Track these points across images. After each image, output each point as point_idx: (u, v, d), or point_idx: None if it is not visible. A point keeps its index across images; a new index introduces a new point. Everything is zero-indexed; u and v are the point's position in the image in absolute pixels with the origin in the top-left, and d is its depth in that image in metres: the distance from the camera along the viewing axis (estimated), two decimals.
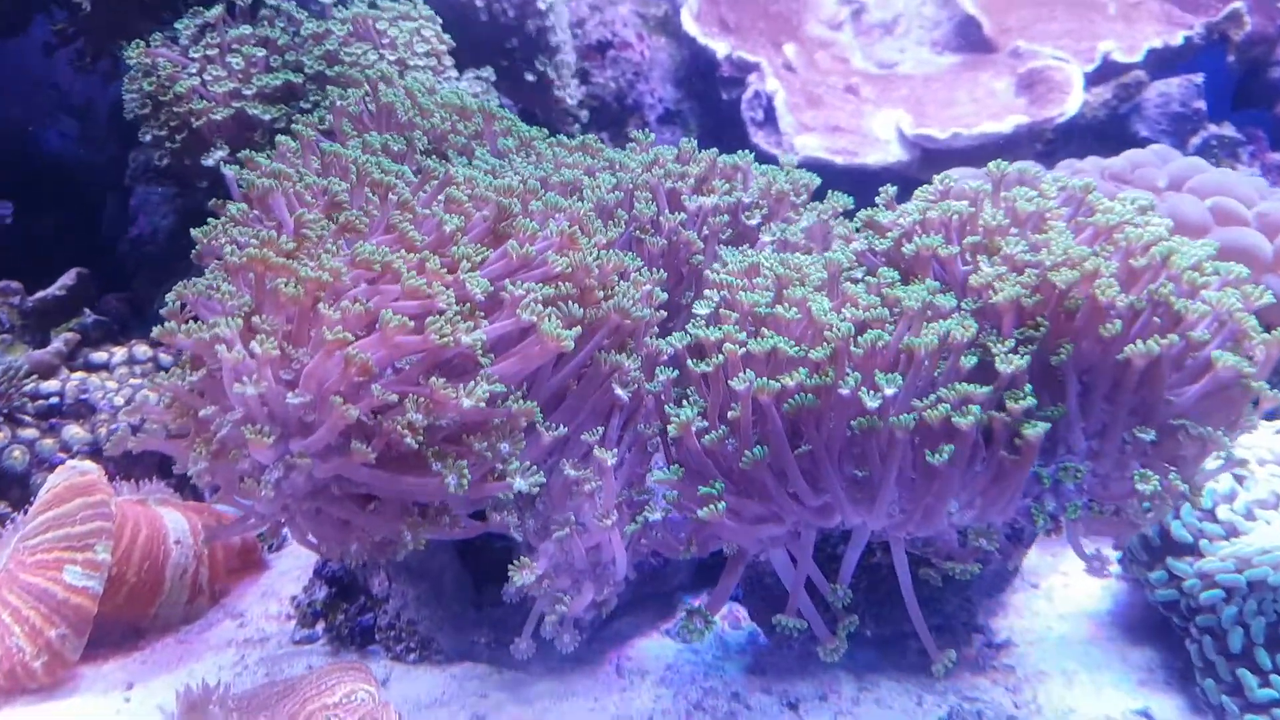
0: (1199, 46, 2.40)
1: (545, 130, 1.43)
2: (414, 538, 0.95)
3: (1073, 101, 2.20)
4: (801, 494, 1.00)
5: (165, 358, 1.82)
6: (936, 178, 1.24)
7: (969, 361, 0.98)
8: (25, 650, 1.21)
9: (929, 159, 2.22)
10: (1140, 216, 1.08)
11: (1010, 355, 0.96)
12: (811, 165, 1.40)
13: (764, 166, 1.39)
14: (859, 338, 0.96)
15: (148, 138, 1.75)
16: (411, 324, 0.89)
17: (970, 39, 2.59)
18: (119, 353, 1.82)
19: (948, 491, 0.99)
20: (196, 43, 1.73)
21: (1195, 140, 2.30)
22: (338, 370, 0.88)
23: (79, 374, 1.75)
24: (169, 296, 0.98)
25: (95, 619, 1.25)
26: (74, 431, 1.65)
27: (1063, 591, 1.46)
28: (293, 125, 1.26)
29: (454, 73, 1.89)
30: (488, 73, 2.04)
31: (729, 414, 0.98)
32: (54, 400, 1.69)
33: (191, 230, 1.06)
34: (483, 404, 0.89)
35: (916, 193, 1.23)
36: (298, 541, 1.03)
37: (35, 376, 1.70)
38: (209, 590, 1.45)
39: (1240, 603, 1.17)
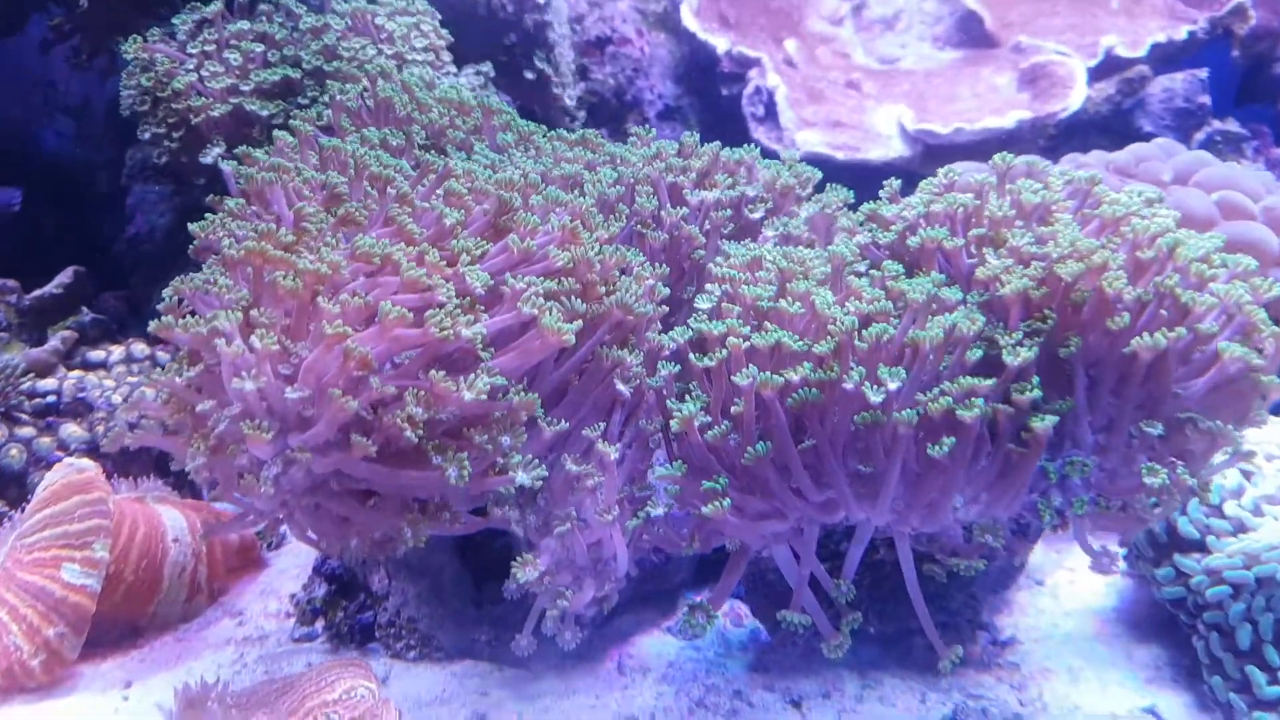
0: (1203, 41, 2.39)
1: (544, 126, 1.42)
2: (414, 534, 0.94)
3: (1076, 96, 2.19)
4: (805, 489, 0.99)
5: (163, 356, 1.81)
6: (940, 171, 1.23)
7: (974, 355, 0.97)
8: (23, 649, 1.20)
9: (931, 155, 2.21)
10: (1147, 209, 1.07)
11: (1017, 347, 0.95)
12: (813, 161, 1.40)
13: (767, 161, 1.38)
14: (863, 331, 0.95)
15: (146, 135, 1.74)
16: (411, 316, 0.88)
17: (972, 34, 2.58)
18: (117, 351, 1.81)
19: (953, 486, 0.98)
20: (194, 38, 1.72)
21: (1199, 136, 2.29)
22: (336, 364, 0.87)
23: (76, 372, 1.75)
24: (166, 292, 0.97)
25: (93, 617, 1.24)
26: (71, 430, 1.64)
27: (1068, 588, 1.45)
28: (291, 121, 1.25)
29: (453, 68, 1.88)
30: (487, 68, 2.03)
31: (732, 409, 0.97)
32: (51, 399, 1.68)
33: (189, 225, 1.05)
34: (484, 397, 0.88)
35: (921, 185, 1.22)
36: (297, 538, 1.02)
37: (32, 375, 1.70)
38: (208, 588, 1.44)
39: (1248, 599, 1.16)
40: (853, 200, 1.30)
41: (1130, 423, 1.00)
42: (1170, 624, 1.29)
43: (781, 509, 1.01)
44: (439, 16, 1.88)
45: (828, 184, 1.32)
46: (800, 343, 0.96)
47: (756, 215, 1.30)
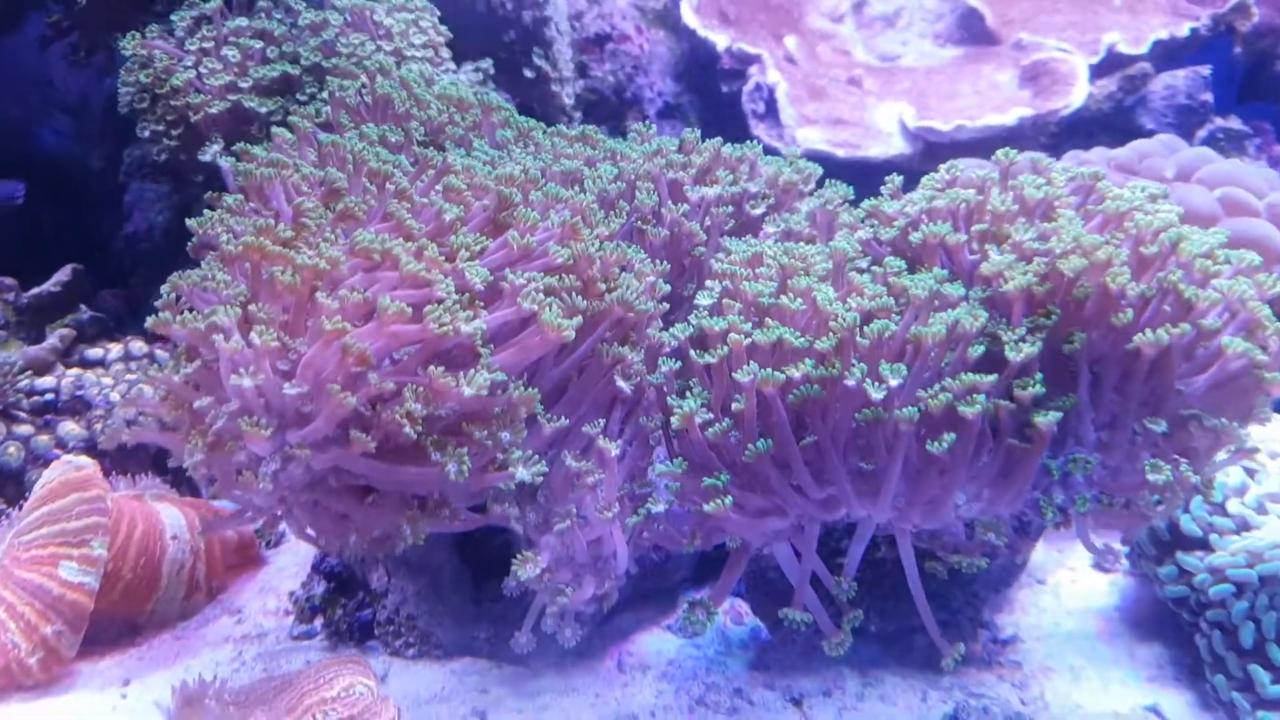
0: (1205, 38, 2.38)
1: (544, 124, 1.42)
2: (413, 531, 0.93)
3: (1077, 94, 2.18)
4: (806, 486, 0.98)
5: (162, 354, 1.80)
6: (942, 167, 1.22)
7: (976, 351, 0.96)
8: (21, 647, 1.19)
9: (932, 152, 2.20)
10: (1150, 204, 1.06)
11: (1020, 343, 0.94)
12: (813, 158, 1.39)
13: (769, 157, 1.37)
14: (865, 328, 0.95)
15: (145, 132, 1.74)
16: (410, 311, 0.87)
17: (973, 31, 2.57)
18: (115, 349, 1.81)
19: (954, 483, 0.97)
20: (192, 35, 1.71)
21: (1201, 133, 2.28)
22: (335, 360, 0.86)
23: (74, 370, 1.74)
24: (164, 288, 0.97)
25: (91, 615, 1.23)
26: (70, 428, 1.64)
27: (1070, 587, 1.45)
28: (289, 117, 1.24)
29: (451, 65, 1.88)
30: (486, 64, 2.03)
31: (733, 406, 0.96)
32: (49, 397, 1.67)
33: (187, 221, 1.04)
34: (484, 392, 0.87)
35: (923, 180, 1.22)
36: (295, 535, 1.01)
37: (30, 373, 1.69)
38: (206, 586, 1.43)
39: (1251, 597, 1.16)
40: (853, 197, 1.30)
41: (1133, 420, 0.99)
42: (1172, 623, 1.29)
43: (782, 506, 1.00)
44: (438, 13, 1.87)
45: (828, 181, 1.31)
46: (802, 339, 0.96)
47: (758, 211, 1.30)
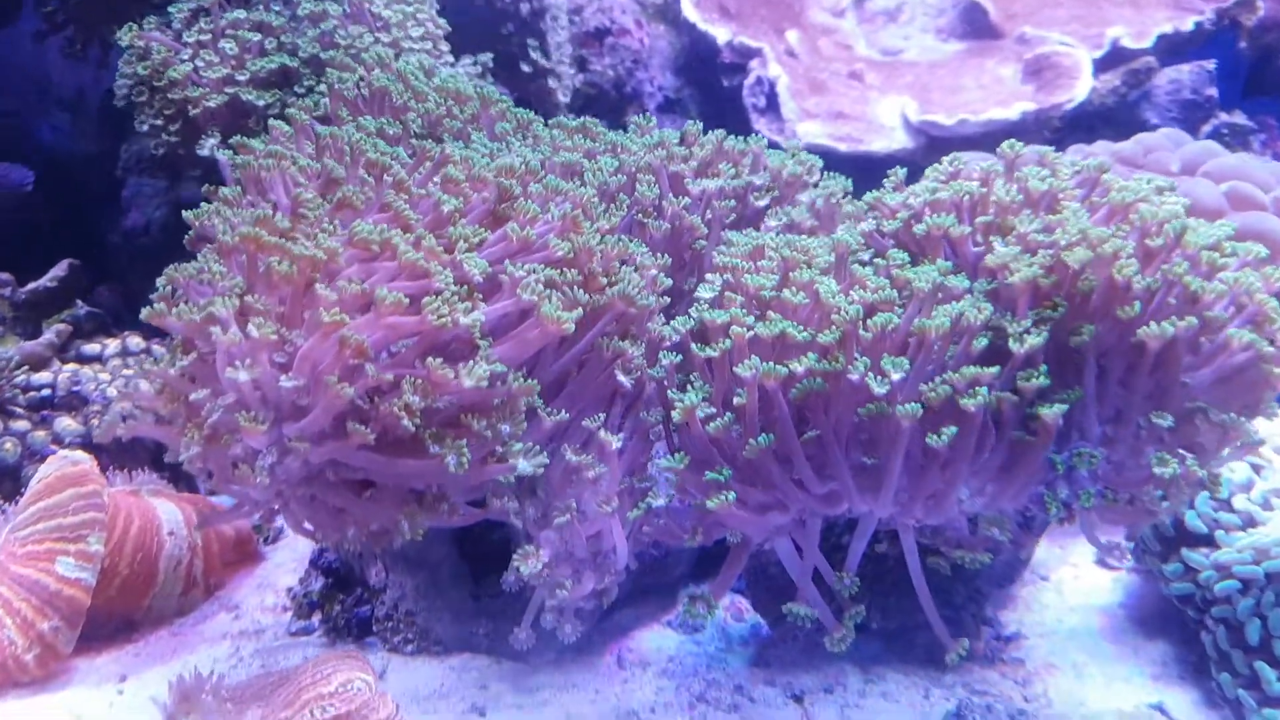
0: (1209, 32, 2.36)
1: (542, 117, 1.41)
2: (411, 526, 0.92)
3: (1081, 87, 2.17)
4: (807, 481, 0.97)
5: (159, 349, 1.80)
6: (946, 159, 1.21)
7: (980, 344, 0.95)
8: (17, 643, 1.19)
9: (934, 146, 2.19)
10: (1156, 196, 1.05)
11: (1025, 335, 0.93)
12: (814, 152, 1.37)
13: (771, 151, 1.36)
14: (868, 321, 0.94)
15: (144, 127, 1.73)
16: (407, 301, 0.86)
17: (975, 25, 2.55)
18: (112, 344, 1.80)
19: (957, 477, 0.96)
20: (190, 27, 1.70)
21: (1206, 128, 2.27)
22: (332, 352, 0.85)
23: (71, 366, 1.73)
24: (160, 280, 0.96)
25: (88, 611, 1.22)
26: (66, 423, 1.63)
27: (1073, 584, 1.44)
28: (287, 110, 1.23)
29: (450, 58, 1.86)
30: (485, 58, 2.01)
31: (734, 400, 0.95)
32: (46, 392, 1.67)
33: (184, 213, 1.03)
34: (483, 384, 0.86)
35: (927, 172, 1.21)
36: (292, 529, 1.00)
37: (27, 368, 1.68)
38: (203, 582, 1.42)
39: (1257, 594, 1.15)
40: (851, 190, 1.29)
41: (1139, 414, 0.98)
42: (1177, 620, 1.28)
43: (784, 501, 0.99)
44: (436, 5, 1.86)
45: (828, 174, 1.30)
46: (804, 333, 0.95)
47: (762, 203, 1.29)
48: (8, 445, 1.58)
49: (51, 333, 1.76)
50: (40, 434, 1.60)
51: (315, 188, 1.04)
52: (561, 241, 1.00)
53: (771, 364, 0.92)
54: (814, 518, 1.03)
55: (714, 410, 0.96)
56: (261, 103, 1.65)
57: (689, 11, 2.44)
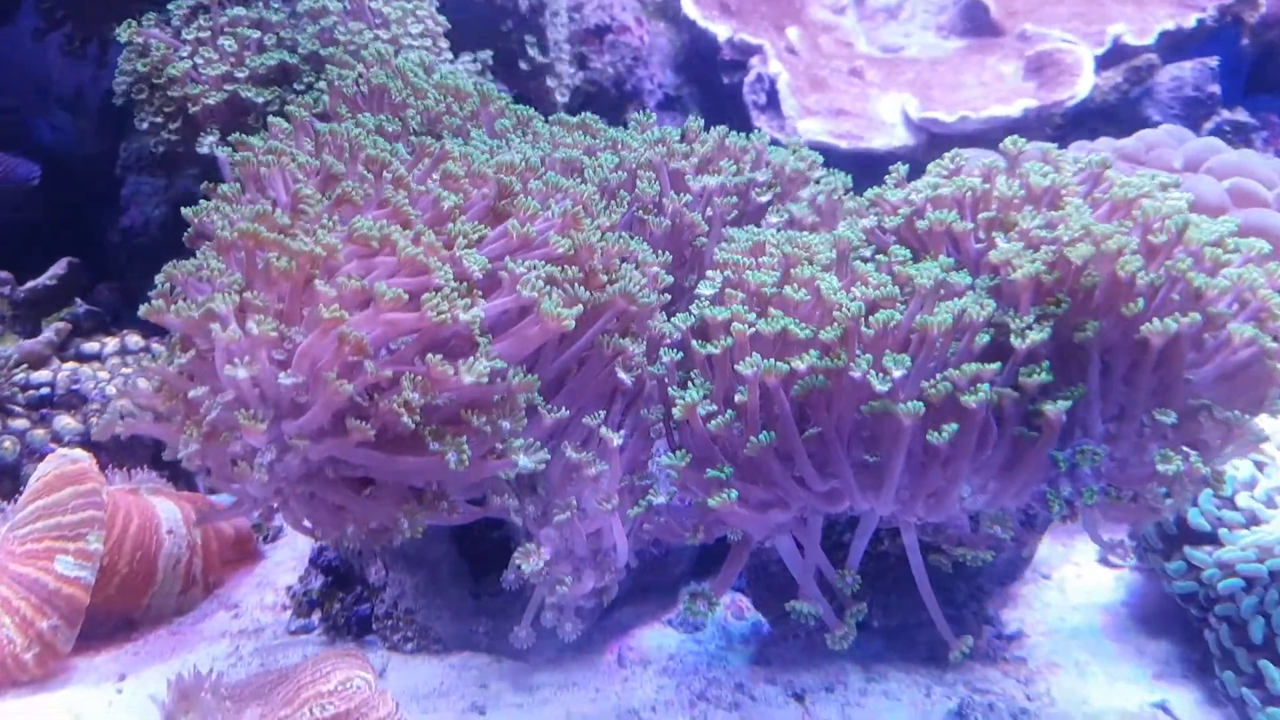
0: (1212, 29, 2.36)
1: (541, 115, 1.40)
2: (411, 524, 0.92)
3: (1083, 84, 2.16)
4: (808, 479, 0.97)
5: (158, 347, 1.79)
6: (947, 155, 1.21)
7: (983, 340, 0.95)
8: (16, 642, 1.18)
9: (936, 143, 2.18)
10: (1160, 192, 1.04)
11: (1027, 330, 0.93)
12: (815, 149, 1.37)
13: (773, 147, 1.35)
14: (870, 317, 0.93)
15: (144, 124, 1.72)
16: (407, 297, 0.86)
17: (976, 22, 2.54)
18: (111, 343, 1.79)
19: (959, 475, 0.96)
20: (189, 24, 1.70)
21: (1208, 125, 2.26)
22: (332, 349, 0.85)
23: (70, 364, 1.73)
24: (158, 277, 0.95)
25: (87, 610, 1.22)
26: (65, 422, 1.63)
27: (1075, 582, 1.44)
28: (286, 107, 1.23)
29: (449, 55, 1.86)
30: (485, 55, 2.01)
31: (735, 397, 0.94)
32: (45, 391, 1.66)
33: (183, 210, 1.03)
34: (484, 380, 0.86)
35: (929, 168, 1.20)
36: (291, 526, 1.00)
37: (26, 366, 1.68)
38: (203, 581, 1.42)
39: (1261, 592, 1.14)
40: (851, 186, 1.28)
41: (1142, 411, 0.98)
42: (1180, 618, 1.27)
43: (785, 499, 0.99)
44: (436, 2, 1.86)
45: (829, 171, 1.29)
46: (806, 330, 0.94)
47: (764, 199, 1.28)
48: (7, 444, 1.57)
49: (51, 331, 1.76)
50: (39, 432, 1.60)
51: (314, 184, 1.04)
52: (562, 238, 0.99)
53: (773, 361, 0.91)
54: (815, 515, 1.03)
55: (715, 407, 0.96)
56: (261, 100, 1.64)
57: (689, 9, 2.44)
